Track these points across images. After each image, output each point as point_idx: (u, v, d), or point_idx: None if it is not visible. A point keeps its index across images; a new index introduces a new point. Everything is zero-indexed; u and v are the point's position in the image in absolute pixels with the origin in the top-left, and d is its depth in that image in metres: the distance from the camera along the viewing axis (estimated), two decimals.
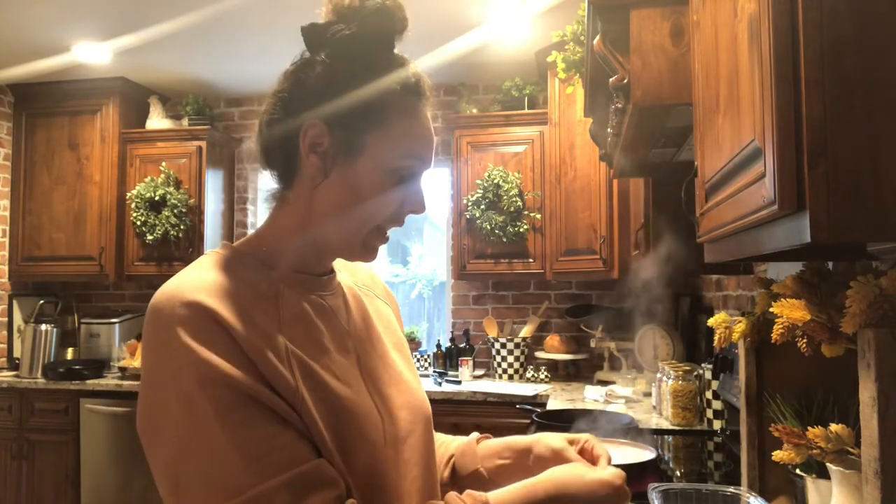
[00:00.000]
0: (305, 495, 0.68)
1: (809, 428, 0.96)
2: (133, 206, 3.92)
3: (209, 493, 0.67)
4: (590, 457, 0.94)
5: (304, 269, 0.86)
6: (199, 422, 0.68)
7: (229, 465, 0.67)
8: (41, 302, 4.02)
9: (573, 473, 0.86)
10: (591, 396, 3.04)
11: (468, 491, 0.81)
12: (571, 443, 0.97)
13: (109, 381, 3.67)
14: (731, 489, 1.16)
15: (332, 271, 0.91)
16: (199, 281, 0.76)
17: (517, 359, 3.76)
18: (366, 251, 0.85)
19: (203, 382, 0.68)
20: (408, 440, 0.86)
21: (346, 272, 0.97)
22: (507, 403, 3.26)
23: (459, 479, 1.00)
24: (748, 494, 1.15)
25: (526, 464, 0.97)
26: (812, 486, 1.07)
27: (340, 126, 0.80)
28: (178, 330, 0.70)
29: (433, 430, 0.96)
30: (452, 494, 0.80)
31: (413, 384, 0.93)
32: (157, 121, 4.12)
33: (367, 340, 0.90)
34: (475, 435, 1.05)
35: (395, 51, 0.84)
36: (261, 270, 0.82)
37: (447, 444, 1.05)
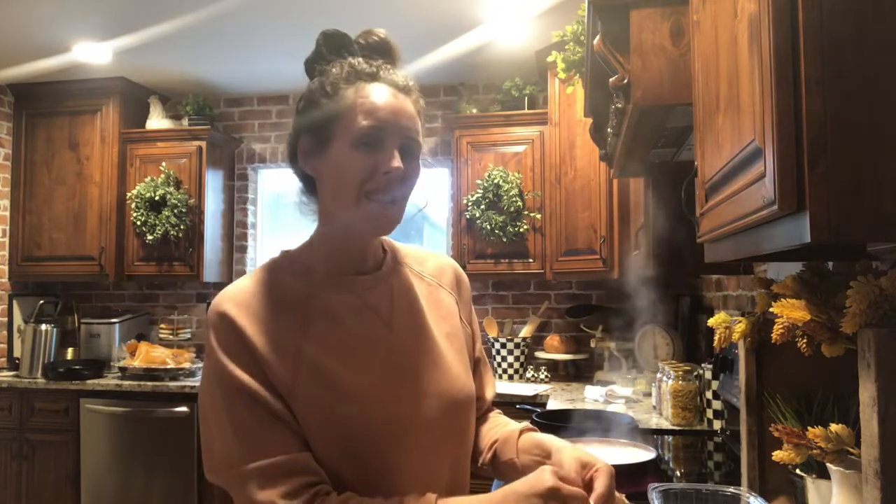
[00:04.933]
0: (275, 479, 0.84)
1: (809, 428, 0.96)
2: (133, 206, 3.92)
3: (218, 461, 0.89)
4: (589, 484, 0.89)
5: (343, 269, 0.98)
6: (217, 412, 0.89)
7: (232, 445, 0.87)
8: (41, 302, 4.01)
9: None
10: (591, 396, 3.03)
11: (439, 498, 0.84)
12: (584, 466, 0.90)
13: (109, 381, 3.67)
14: (731, 489, 1.16)
15: (377, 268, 1.01)
16: (237, 289, 0.94)
17: (517, 359, 3.76)
18: (368, 220, 0.94)
19: (221, 384, 0.89)
20: (434, 427, 0.94)
21: (414, 262, 1.08)
22: (507, 403, 3.25)
23: (499, 464, 1.05)
24: (748, 494, 1.15)
25: (543, 465, 0.95)
26: (812, 486, 1.07)
27: (317, 129, 0.95)
28: (212, 336, 0.91)
29: (472, 418, 1.03)
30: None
31: (454, 371, 0.99)
32: (157, 121, 4.12)
33: (409, 329, 0.98)
34: (524, 424, 1.09)
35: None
36: (301, 274, 0.97)
37: (499, 429, 1.10)
